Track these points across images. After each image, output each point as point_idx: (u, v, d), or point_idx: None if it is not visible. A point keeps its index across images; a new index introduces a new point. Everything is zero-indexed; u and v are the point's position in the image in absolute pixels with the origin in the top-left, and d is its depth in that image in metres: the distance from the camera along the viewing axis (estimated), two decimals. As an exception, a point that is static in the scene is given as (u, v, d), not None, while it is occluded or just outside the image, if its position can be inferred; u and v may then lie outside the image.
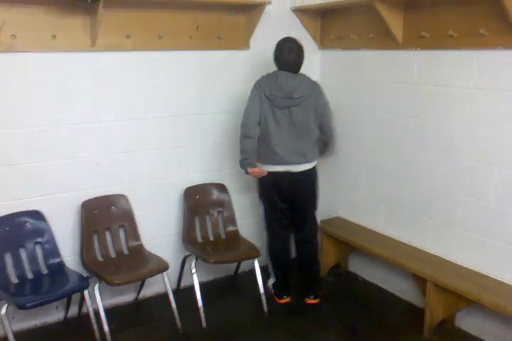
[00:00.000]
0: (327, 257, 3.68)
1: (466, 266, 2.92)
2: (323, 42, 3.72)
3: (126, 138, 3.16)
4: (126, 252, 3.15)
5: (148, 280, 3.24)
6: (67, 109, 2.93)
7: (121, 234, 3.16)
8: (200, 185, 3.46)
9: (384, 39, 3.19)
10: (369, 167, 3.51)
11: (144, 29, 3.03)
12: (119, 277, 2.82)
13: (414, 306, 3.27)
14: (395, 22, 3.05)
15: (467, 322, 3.00)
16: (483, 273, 2.84)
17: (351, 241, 3.44)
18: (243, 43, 3.41)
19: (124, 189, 3.19)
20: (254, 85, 3.07)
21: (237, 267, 3.60)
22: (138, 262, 3.05)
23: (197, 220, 3.41)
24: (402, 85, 3.17)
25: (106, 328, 2.78)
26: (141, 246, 3.17)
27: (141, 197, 3.27)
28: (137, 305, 3.37)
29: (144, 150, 3.24)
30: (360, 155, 3.57)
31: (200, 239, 3.40)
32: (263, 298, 3.19)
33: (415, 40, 3.02)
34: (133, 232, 3.17)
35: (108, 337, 2.78)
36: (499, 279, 2.76)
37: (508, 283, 2.73)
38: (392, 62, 3.22)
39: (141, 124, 3.19)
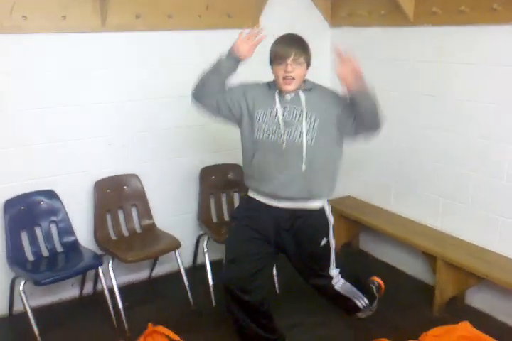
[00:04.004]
0: (338, 236, 3.69)
1: (475, 244, 2.93)
2: (334, 20, 3.67)
3: (138, 119, 3.18)
4: (138, 231, 3.20)
5: (161, 258, 3.30)
6: (78, 90, 2.95)
7: (134, 213, 3.21)
8: (215, 165, 3.46)
9: (395, 16, 3.14)
10: (379, 145, 3.48)
11: (154, 9, 3.02)
12: (132, 254, 2.88)
13: (425, 284, 3.29)
14: (406, -2, 3.00)
15: (477, 299, 3.02)
16: (493, 250, 2.84)
17: (362, 219, 3.45)
18: (253, 21, 3.37)
19: (136, 169, 3.21)
20: None
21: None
22: (150, 240, 3.09)
23: (212, 200, 3.44)
24: (415, 63, 3.14)
25: (120, 305, 2.84)
26: (153, 225, 3.21)
27: (155, 176, 3.29)
28: (151, 282, 3.43)
29: (157, 130, 3.26)
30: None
31: (215, 219, 3.44)
32: (274, 274, 3.21)
33: (427, 17, 2.97)
34: (145, 211, 3.21)
35: (122, 313, 2.84)
36: (508, 256, 2.77)
37: (518, 260, 2.74)
38: (404, 39, 3.18)
39: (153, 104, 3.20)
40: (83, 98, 2.98)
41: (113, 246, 2.99)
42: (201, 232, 3.37)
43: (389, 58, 3.32)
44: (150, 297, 3.24)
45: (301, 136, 2.23)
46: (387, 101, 3.30)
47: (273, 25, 3.43)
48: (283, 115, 2.26)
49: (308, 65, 2.28)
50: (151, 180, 3.27)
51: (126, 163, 3.19)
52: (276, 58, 2.24)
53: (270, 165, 2.29)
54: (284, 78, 2.22)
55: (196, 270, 3.47)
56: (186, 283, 3.07)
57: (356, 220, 3.51)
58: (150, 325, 2.66)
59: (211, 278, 3.10)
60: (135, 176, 3.19)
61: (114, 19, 2.90)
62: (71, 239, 2.98)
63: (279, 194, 2.30)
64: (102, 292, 2.89)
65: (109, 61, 3.01)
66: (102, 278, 2.86)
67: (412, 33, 3.11)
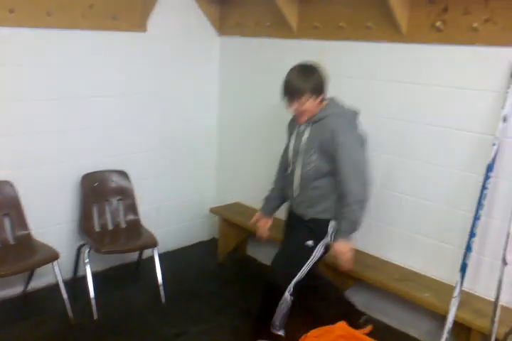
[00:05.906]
0: (225, 242, 3.73)
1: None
2: (222, 29, 3.71)
3: (13, 121, 2.96)
4: (12, 242, 2.97)
5: (38, 271, 3.10)
6: None
7: (7, 223, 2.98)
8: (99, 171, 3.32)
9: (280, 28, 3.25)
10: (264, 155, 3.59)
11: (30, 4, 2.83)
12: (3, 268, 2.66)
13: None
14: (291, 11, 3.11)
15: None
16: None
17: (248, 225, 3.49)
18: (140, 25, 3.32)
19: (10, 175, 2.98)
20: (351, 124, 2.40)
21: (140, 255, 3.51)
22: (25, 252, 2.89)
23: (95, 209, 3.30)
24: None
25: (-12, 323, 2.62)
26: (29, 236, 3.00)
27: (31, 183, 3.09)
28: (26, 297, 3.20)
29: (34, 133, 3.05)
30: (258, 145, 3.66)
31: (98, 228, 3.29)
32: (160, 284, 3.15)
33: (309, 30, 3.11)
34: (20, 221, 2.99)
35: (-9, 332, 2.63)
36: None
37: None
38: (288, 51, 3.29)
39: (30, 106, 3.00)
40: None
41: (-19, 259, 2.75)
42: (82, 242, 3.22)
43: (274, 69, 3.40)
44: (24, 313, 3.02)
45: (299, 166, 2.44)
46: (270, 112, 3.43)
47: (160, 31, 3.43)
48: (294, 145, 2.49)
49: (317, 93, 2.33)
50: (27, 187, 3.05)
51: (-2, 169, 2.96)
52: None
53: (288, 187, 2.59)
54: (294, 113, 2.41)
55: (77, 282, 3.29)
56: (65, 296, 2.90)
57: (243, 226, 3.55)
58: (23, 343, 2.48)
59: (92, 290, 2.97)
60: (8, 183, 2.96)
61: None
62: None
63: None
64: (-32, 310, 2.65)
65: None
66: (-32, 295, 2.62)
67: (296, 45, 3.23)
